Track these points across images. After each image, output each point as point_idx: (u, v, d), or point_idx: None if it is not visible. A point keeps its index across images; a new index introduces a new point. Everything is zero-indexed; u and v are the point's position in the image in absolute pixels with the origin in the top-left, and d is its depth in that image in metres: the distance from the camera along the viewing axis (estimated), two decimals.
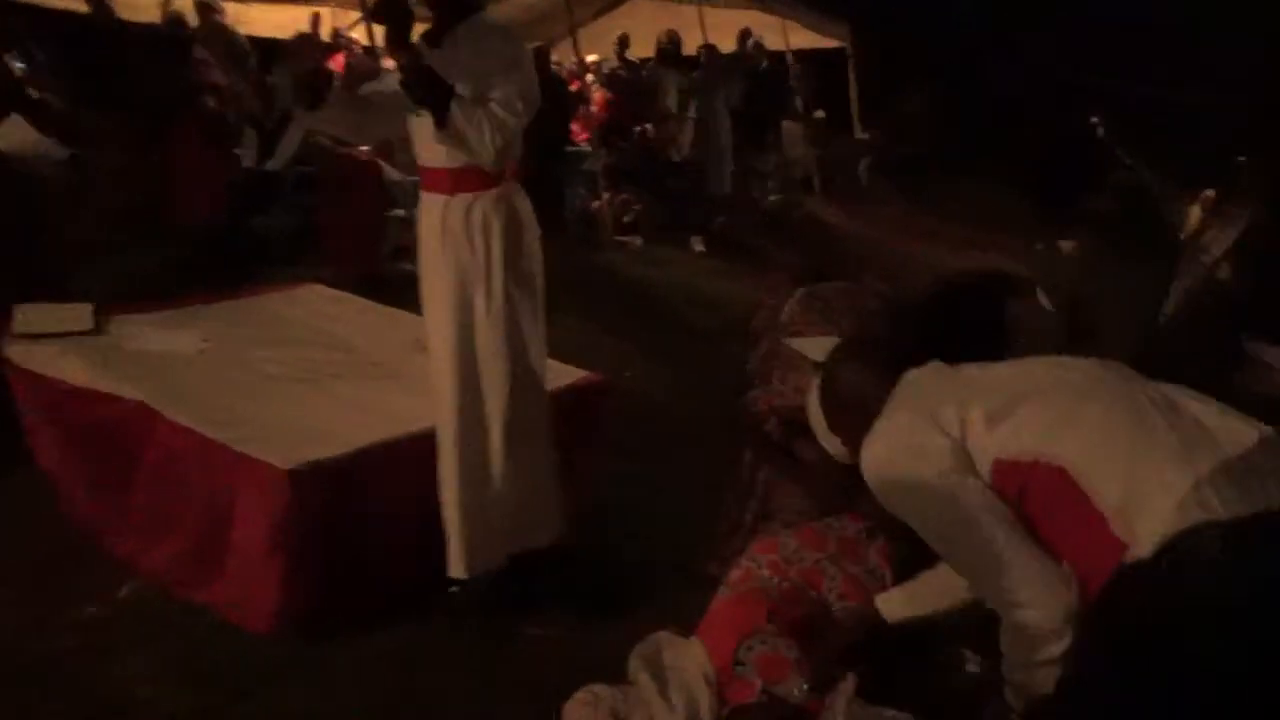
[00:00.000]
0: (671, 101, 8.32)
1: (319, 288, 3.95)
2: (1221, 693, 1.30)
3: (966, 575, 1.57)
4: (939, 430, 1.56)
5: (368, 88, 2.82)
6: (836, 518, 2.42)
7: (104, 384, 2.81)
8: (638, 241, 7.49)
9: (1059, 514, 1.48)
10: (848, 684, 2.03)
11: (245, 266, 5.50)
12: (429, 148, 2.50)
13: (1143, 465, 1.42)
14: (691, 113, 8.20)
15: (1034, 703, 1.50)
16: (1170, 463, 1.40)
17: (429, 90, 2.29)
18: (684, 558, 2.98)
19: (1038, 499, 1.49)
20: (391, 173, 6.03)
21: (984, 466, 1.53)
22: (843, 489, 2.41)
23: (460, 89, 2.33)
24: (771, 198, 8.88)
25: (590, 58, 9.25)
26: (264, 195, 6.62)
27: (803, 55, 10.31)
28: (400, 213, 6.07)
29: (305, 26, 9.07)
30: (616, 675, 2.27)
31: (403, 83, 2.30)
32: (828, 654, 2.09)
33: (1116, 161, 2.38)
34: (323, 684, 2.43)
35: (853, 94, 10.99)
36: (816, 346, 2.41)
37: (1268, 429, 1.44)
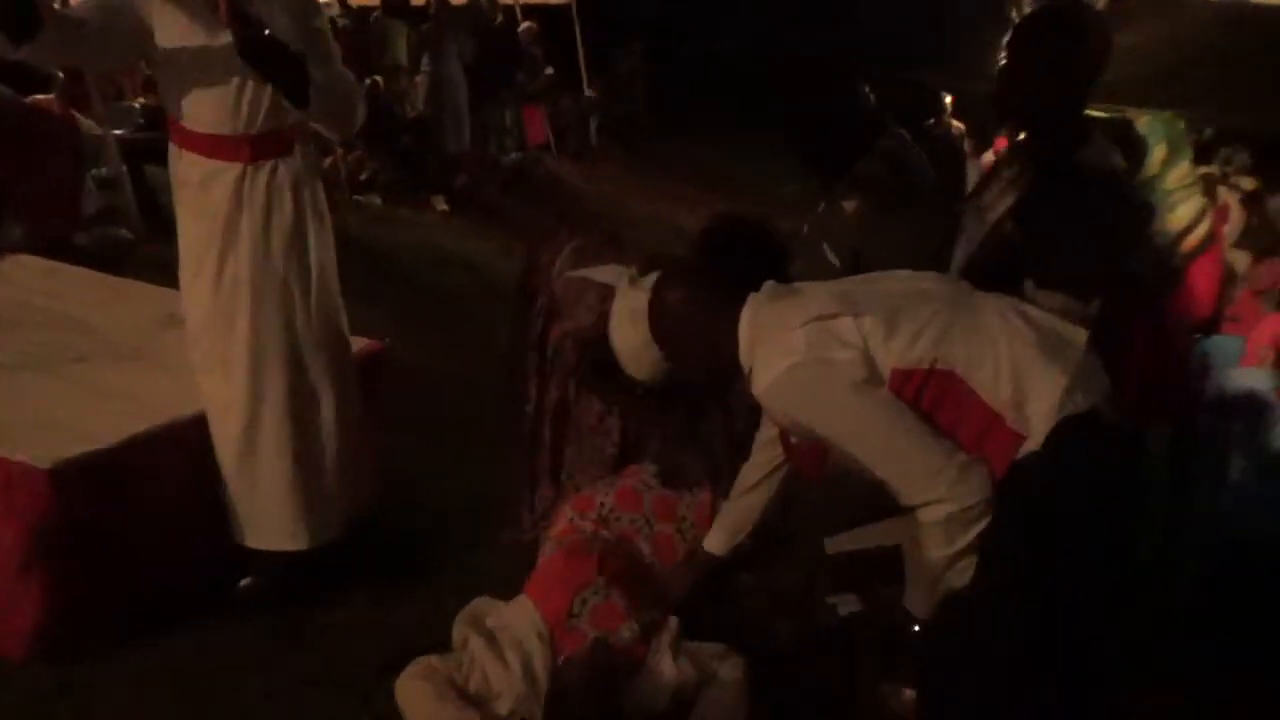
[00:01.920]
0: (401, 54, 7.97)
1: (26, 259, 3.43)
2: (1099, 557, 1.54)
3: (885, 477, 1.62)
4: (841, 343, 1.62)
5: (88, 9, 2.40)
6: (647, 473, 2.49)
7: None
8: (376, 201, 7.15)
9: (956, 414, 1.60)
10: (672, 625, 2.13)
11: None
12: (218, 112, 2.24)
13: (1024, 365, 1.59)
14: (424, 67, 7.89)
15: (948, 597, 1.62)
16: (1046, 362, 1.59)
17: (282, 65, 2.07)
18: (472, 525, 2.95)
19: (934, 401, 1.61)
20: (92, 127, 5.32)
21: (884, 374, 1.61)
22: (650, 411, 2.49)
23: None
24: (512, 155, 8.79)
25: None
26: None
27: (530, 11, 10.24)
28: (102, 171, 5.39)
29: None
30: (427, 651, 2.22)
31: (244, 54, 2.05)
32: (653, 600, 2.17)
33: (884, 128, 2.58)
34: (99, 710, 2.15)
35: (580, 52, 11.06)
36: (607, 272, 2.45)
37: (1085, 331, 1.68)
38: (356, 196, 7.12)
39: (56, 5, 2.25)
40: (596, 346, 2.11)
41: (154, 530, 2.38)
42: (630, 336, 1.90)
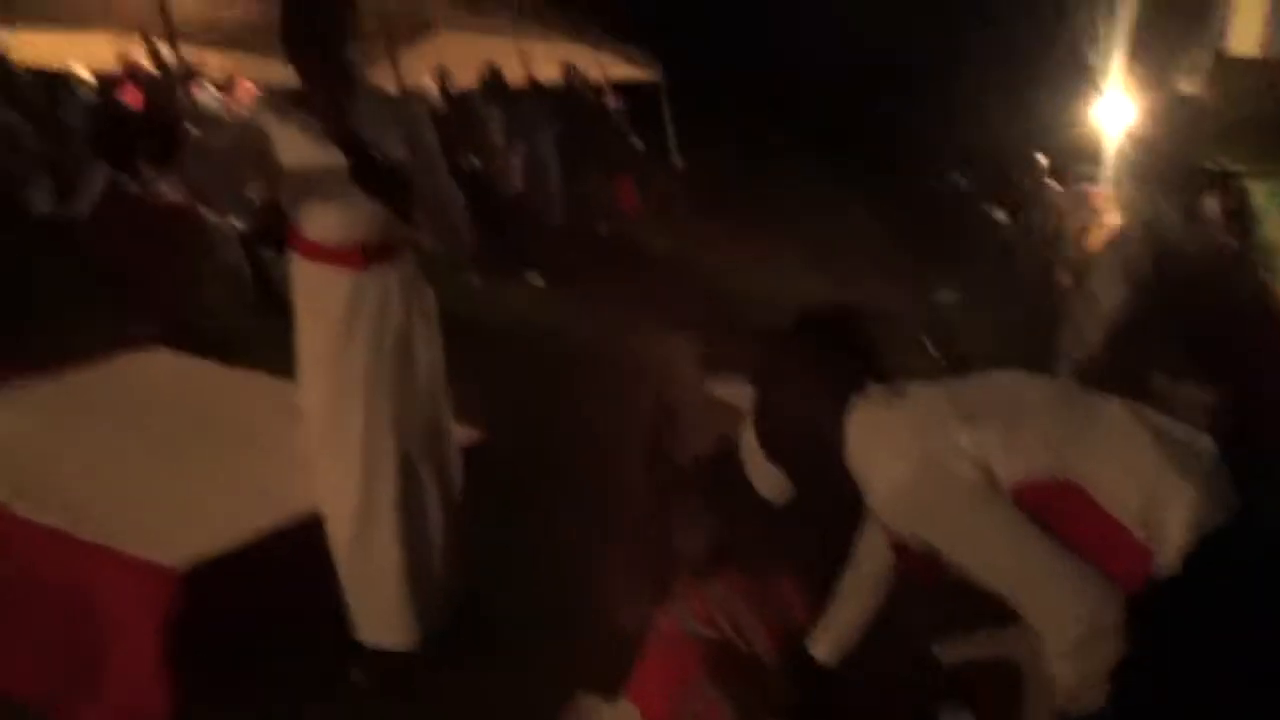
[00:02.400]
0: (498, 135, 8.27)
1: (163, 352, 3.66)
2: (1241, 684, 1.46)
3: (1008, 594, 1.54)
4: (958, 452, 1.56)
5: (218, 136, 2.64)
6: (738, 571, 2.48)
7: None
8: (474, 278, 7.38)
9: (1082, 528, 1.53)
10: None
11: (37, 319, 5.04)
12: (333, 223, 2.40)
13: (1152, 477, 1.52)
14: (519, 146, 8.18)
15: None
16: (1176, 473, 1.52)
17: (389, 186, 2.22)
18: (562, 605, 2.94)
19: (1057, 515, 1.53)
20: (221, 222, 5.67)
21: (1003, 485, 1.55)
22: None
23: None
24: (604, 227, 8.98)
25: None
26: (52, 243, 6.05)
27: (619, 86, 10.54)
28: (225, 260, 5.73)
29: (92, 55, 8.48)
30: None
31: (354, 175, 2.20)
32: (760, 700, 2.15)
33: (980, 213, 2.59)
34: None
35: (667, 124, 11.30)
36: (732, 390, 2.46)
37: (1210, 439, 1.60)
38: (454, 273, 7.35)
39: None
40: (720, 463, 2.12)
41: (277, 619, 2.47)
42: (759, 460, 1.88)
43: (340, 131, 2.21)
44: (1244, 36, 6.31)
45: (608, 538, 3.00)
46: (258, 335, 5.13)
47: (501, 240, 7.72)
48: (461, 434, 3.02)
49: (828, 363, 1.85)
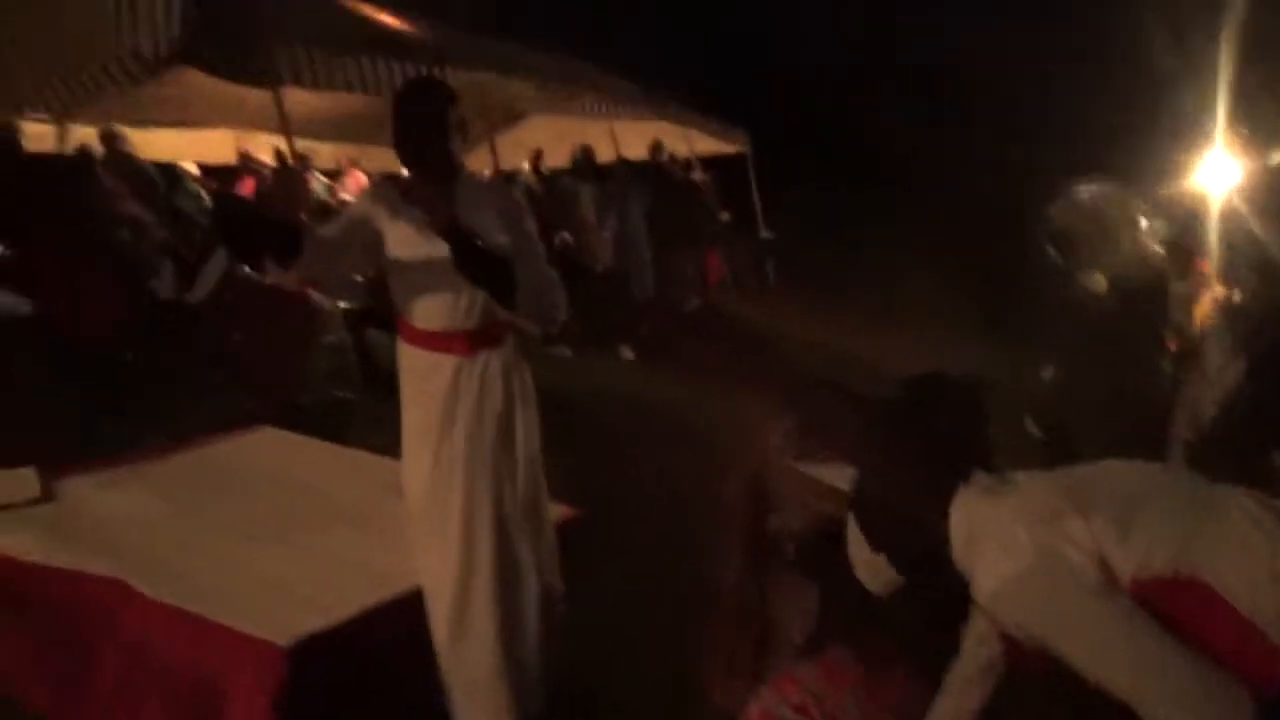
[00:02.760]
0: (589, 211, 8.48)
1: (273, 431, 3.81)
2: None
3: (1129, 697, 1.45)
4: (1073, 544, 1.50)
5: (330, 228, 2.74)
6: (843, 652, 2.41)
7: (64, 559, 2.63)
8: (567, 352, 7.51)
9: (1209, 628, 1.45)
10: None
11: (159, 399, 5.31)
12: (439, 311, 2.50)
13: None
14: (610, 222, 8.37)
15: None
16: None
17: (491, 275, 2.31)
18: (664, 684, 2.92)
19: (1183, 615, 1.46)
20: (320, 299, 5.94)
21: (1121, 582, 1.48)
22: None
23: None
24: (694, 300, 9.07)
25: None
26: (177, 327, 6.41)
27: (706, 161, 10.73)
28: (332, 339, 5.98)
29: (211, 150, 9.05)
30: None
31: (457, 266, 2.30)
32: None
33: (1076, 281, 2.54)
34: None
35: (754, 196, 11.42)
36: (833, 472, 2.42)
37: None
38: (547, 348, 7.49)
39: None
40: (820, 544, 2.09)
41: (379, 698, 2.50)
42: (863, 549, 1.85)
43: (445, 225, 2.30)
44: None
45: (703, 617, 2.97)
46: (363, 415, 5.33)
47: (593, 315, 7.85)
48: (556, 511, 3.05)
49: (931, 448, 1.81)
